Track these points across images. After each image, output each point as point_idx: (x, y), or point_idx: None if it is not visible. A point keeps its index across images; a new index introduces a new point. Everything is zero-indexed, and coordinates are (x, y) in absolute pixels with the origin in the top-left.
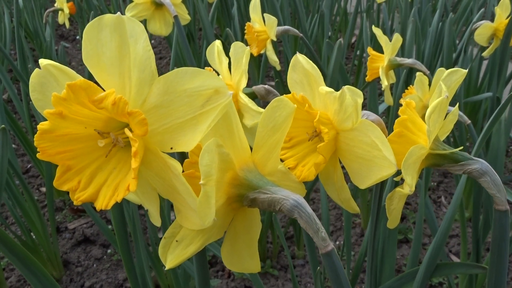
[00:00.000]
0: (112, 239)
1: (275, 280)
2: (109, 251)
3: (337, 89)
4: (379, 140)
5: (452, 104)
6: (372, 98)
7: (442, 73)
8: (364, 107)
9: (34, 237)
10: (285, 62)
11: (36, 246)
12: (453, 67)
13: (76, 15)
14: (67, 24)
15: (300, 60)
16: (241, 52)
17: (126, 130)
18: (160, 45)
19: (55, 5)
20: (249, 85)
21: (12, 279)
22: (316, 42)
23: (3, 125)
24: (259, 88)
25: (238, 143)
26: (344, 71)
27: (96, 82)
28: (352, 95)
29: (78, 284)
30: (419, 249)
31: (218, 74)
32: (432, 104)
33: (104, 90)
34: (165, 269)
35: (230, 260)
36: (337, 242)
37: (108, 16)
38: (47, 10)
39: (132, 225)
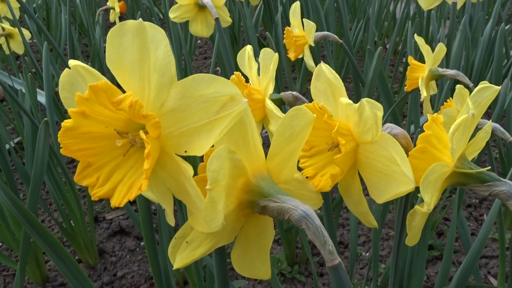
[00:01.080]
0: None
1: (302, 287)
2: (142, 243)
3: (376, 98)
4: (398, 156)
5: (490, 119)
6: (413, 108)
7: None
8: (404, 118)
9: (73, 225)
10: None
11: (75, 233)
12: (503, 80)
13: (127, 13)
14: (118, 23)
15: (324, 69)
16: (269, 59)
17: (141, 132)
18: (206, 45)
19: (107, 3)
20: (290, 88)
21: (51, 263)
22: (362, 48)
23: (46, 118)
24: (287, 94)
25: (253, 150)
26: (384, 78)
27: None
28: (372, 107)
29: (111, 273)
30: (449, 268)
31: (247, 80)
32: (456, 121)
33: (124, 92)
34: (173, 268)
35: (241, 265)
36: (367, 254)
37: (130, 22)
38: (99, 9)
39: (158, 220)
